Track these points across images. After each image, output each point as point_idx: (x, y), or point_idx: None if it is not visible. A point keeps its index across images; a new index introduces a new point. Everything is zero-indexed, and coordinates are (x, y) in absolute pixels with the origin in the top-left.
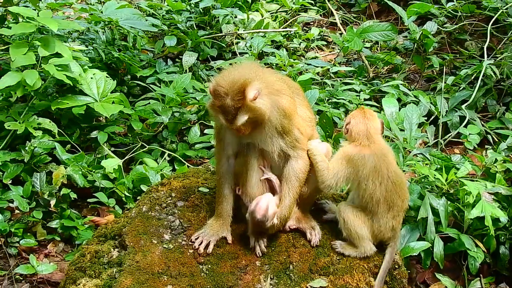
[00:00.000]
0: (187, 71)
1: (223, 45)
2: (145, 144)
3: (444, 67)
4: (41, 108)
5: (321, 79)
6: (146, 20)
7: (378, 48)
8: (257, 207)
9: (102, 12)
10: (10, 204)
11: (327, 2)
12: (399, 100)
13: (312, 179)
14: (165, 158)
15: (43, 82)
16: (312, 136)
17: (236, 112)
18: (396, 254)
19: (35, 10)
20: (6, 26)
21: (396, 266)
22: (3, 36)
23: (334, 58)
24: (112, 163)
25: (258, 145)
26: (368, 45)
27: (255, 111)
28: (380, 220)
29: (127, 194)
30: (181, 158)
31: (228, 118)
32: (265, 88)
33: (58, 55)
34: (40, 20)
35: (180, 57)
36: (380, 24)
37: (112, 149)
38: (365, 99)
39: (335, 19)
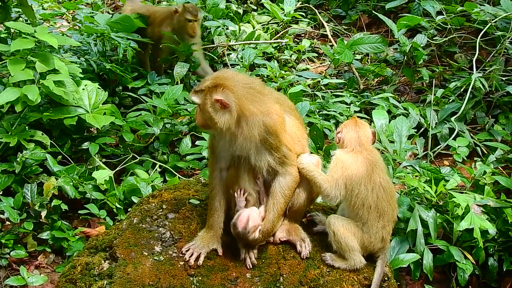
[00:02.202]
0: (179, 82)
1: (215, 56)
2: (136, 156)
3: (434, 80)
4: (33, 120)
5: (312, 91)
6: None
7: (369, 60)
8: (238, 219)
9: (95, 25)
10: (1, 215)
11: (318, 14)
12: (389, 112)
13: (303, 192)
14: (156, 170)
15: None
16: (302, 153)
17: (198, 91)
18: (386, 266)
19: (30, 24)
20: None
21: (386, 278)
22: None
23: (325, 70)
24: (103, 175)
25: (248, 160)
26: (358, 57)
27: (205, 107)
28: (370, 230)
29: (118, 205)
30: (172, 170)
31: (195, 88)
32: (241, 109)
33: (54, 70)
34: (38, 36)
35: (172, 68)
36: (371, 36)
37: (104, 160)
38: (355, 111)
39: (326, 31)
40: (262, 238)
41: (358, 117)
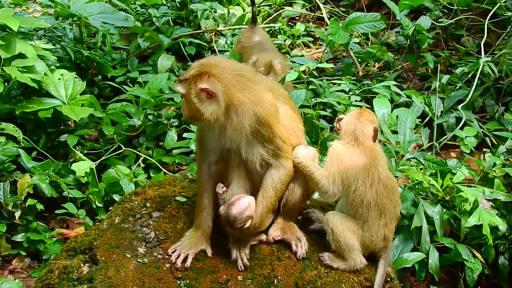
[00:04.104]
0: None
1: (202, 42)
2: (122, 146)
3: (439, 65)
4: (4, 112)
5: (307, 78)
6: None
7: (369, 44)
8: (237, 202)
9: (69, 7)
10: None
11: None
12: (391, 100)
13: (298, 187)
14: (139, 164)
15: (6, 84)
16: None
17: (182, 80)
18: (388, 266)
19: None
20: None
21: (389, 279)
22: None
23: (321, 56)
24: (83, 167)
25: (239, 153)
26: (357, 40)
27: (190, 98)
28: (371, 228)
29: (98, 204)
30: (158, 164)
31: (179, 77)
32: (230, 98)
33: (21, 55)
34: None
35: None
36: (367, 15)
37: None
38: (355, 101)
39: (322, 14)
40: (248, 232)
41: (357, 106)
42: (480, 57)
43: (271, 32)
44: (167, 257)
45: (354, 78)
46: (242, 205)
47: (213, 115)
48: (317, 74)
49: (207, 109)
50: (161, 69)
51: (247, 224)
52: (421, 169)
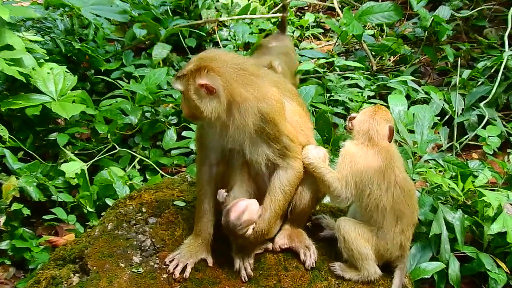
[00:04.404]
0: (160, 64)
1: (203, 34)
2: (116, 146)
3: (460, 59)
4: None
5: (323, 71)
6: (111, 6)
7: (383, 37)
8: (233, 207)
9: None
10: None
11: None
12: (408, 97)
13: (307, 190)
14: (134, 166)
15: None
16: (307, 145)
17: (180, 77)
18: (405, 277)
19: None
20: None
21: None
22: None
23: (332, 49)
24: (73, 167)
25: (242, 153)
26: (371, 32)
27: (189, 94)
28: (387, 236)
29: (89, 209)
30: (155, 166)
31: (177, 74)
32: (231, 94)
33: (8, 47)
34: None
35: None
36: (382, 4)
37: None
38: (369, 97)
39: (333, 3)
40: (254, 238)
41: (371, 103)
42: (504, 50)
43: (278, 23)
44: (164, 266)
45: (368, 72)
46: (239, 209)
47: (214, 112)
48: (337, 69)
49: (207, 106)
50: (156, 58)
51: (250, 230)
52: (440, 171)
